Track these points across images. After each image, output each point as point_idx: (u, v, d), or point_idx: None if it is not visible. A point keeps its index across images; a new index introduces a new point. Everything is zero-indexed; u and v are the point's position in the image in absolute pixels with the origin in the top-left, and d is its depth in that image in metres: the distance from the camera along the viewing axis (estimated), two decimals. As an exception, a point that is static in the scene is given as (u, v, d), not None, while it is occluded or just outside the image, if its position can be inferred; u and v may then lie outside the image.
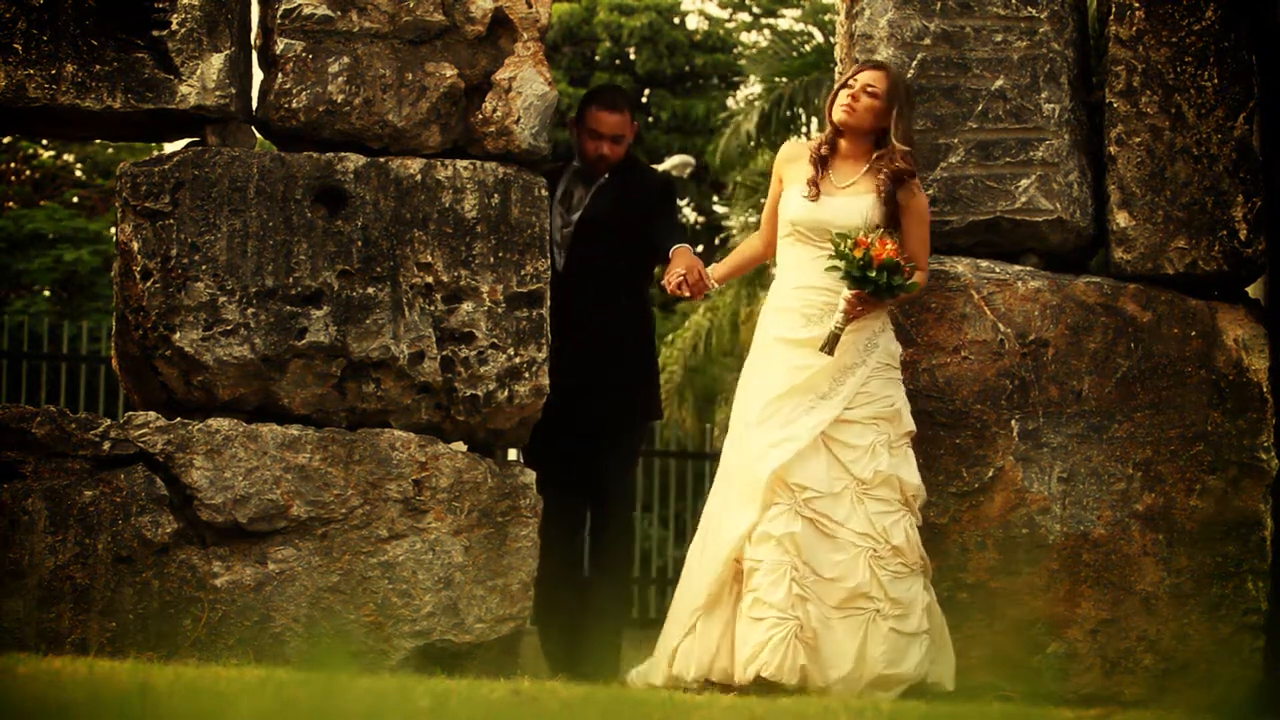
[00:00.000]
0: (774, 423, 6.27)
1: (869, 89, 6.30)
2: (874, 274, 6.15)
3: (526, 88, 6.37)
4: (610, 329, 6.93)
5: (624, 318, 7.00)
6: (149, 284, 6.10)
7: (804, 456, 6.19)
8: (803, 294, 6.35)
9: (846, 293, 6.22)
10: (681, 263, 6.66)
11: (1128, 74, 6.50)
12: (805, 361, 6.29)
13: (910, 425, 6.31)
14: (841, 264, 6.19)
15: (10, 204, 18.11)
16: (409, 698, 3.44)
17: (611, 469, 7.05)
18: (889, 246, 6.20)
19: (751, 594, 6.11)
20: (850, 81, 6.36)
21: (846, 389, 6.27)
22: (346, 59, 6.26)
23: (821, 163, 6.40)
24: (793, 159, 6.54)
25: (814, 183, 6.38)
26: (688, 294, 6.62)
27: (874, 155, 6.34)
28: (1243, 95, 6.50)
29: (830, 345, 6.23)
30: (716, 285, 6.73)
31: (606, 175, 6.99)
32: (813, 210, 6.33)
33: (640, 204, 6.95)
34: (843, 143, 6.38)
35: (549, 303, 6.37)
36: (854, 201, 6.33)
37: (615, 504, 7.07)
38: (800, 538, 6.10)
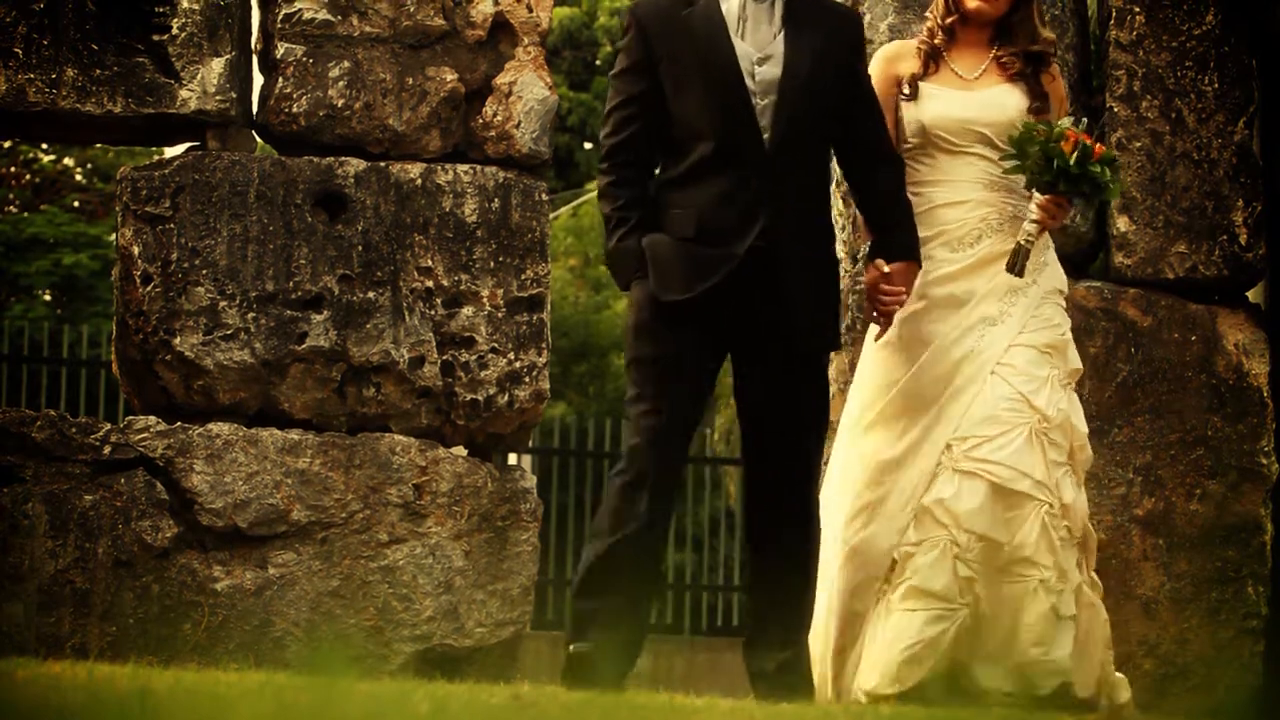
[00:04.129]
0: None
1: None
2: (1096, 169, 5.15)
3: (527, 92, 6.37)
4: (808, 216, 5.15)
5: (821, 205, 5.26)
6: (149, 288, 6.11)
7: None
8: (948, 213, 5.33)
9: (1040, 197, 5.20)
10: (904, 281, 5.23)
11: (1128, 78, 6.51)
12: (972, 290, 5.27)
13: (1077, 363, 5.37)
14: (1034, 156, 5.15)
15: (10, 208, 18.11)
16: (409, 702, 3.45)
17: (811, 403, 5.14)
18: (1101, 145, 5.24)
19: (904, 582, 5.12)
20: None
21: (1019, 312, 5.26)
22: (347, 63, 6.27)
23: (935, 57, 5.37)
24: (900, 57, 5.46)
25: (933, 70, 5.36)
26: (881, 320, 5.28)
27: (998, 42, 5.40)
28: (1243, 100, 6.50)
29: (1020, 264, 5.20)
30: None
31: None
32: (952, 106, 5.32)
33: (837, 57, 5.17)
34: (962, 31, 5.40)
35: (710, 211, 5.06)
36: (999, 93, 5.34)
37: (807, 464, 5.14)
38: (954, 500, 5.10)
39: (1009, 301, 5.27)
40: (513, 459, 7.87)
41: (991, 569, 5.08)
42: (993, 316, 5.26)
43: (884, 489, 5.25)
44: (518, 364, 6.23)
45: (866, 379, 5.41)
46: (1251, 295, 6.65)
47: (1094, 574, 5.39)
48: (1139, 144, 6.49)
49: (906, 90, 5.32)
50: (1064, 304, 5.41)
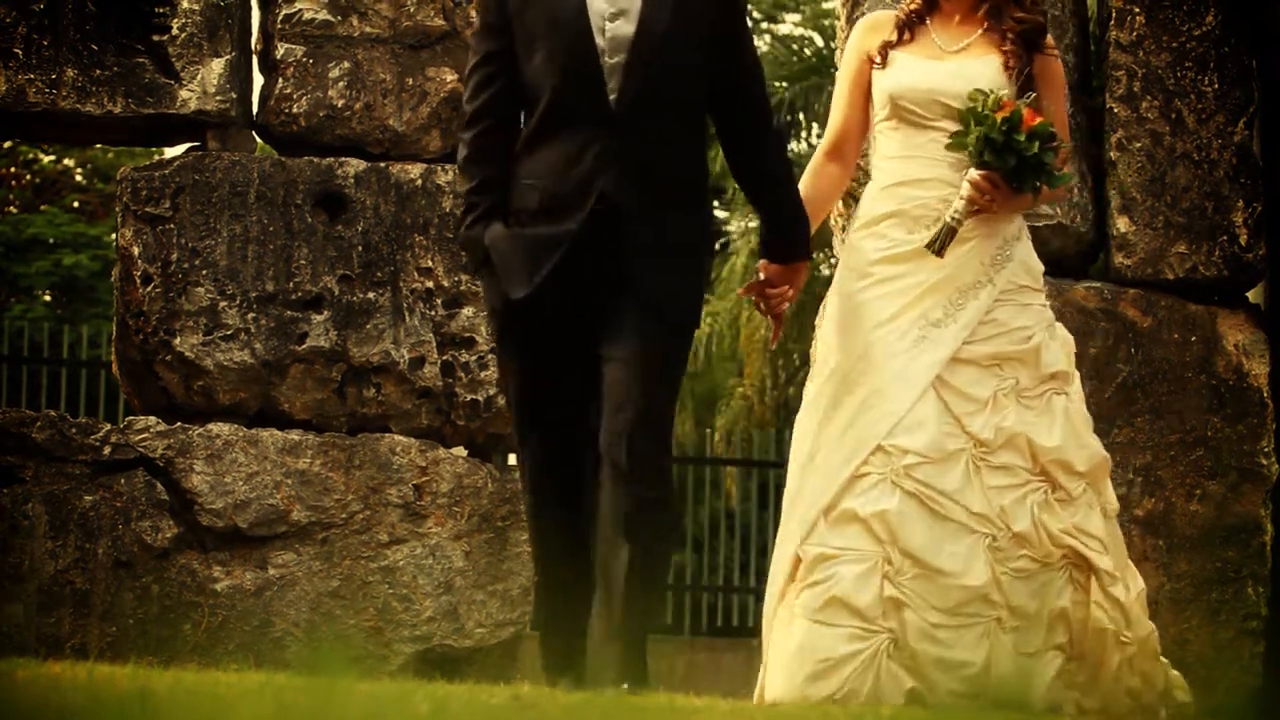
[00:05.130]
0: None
1: None
2: (1021, 141, 4.62)
3: (527, 93, 6.37)
4: (668, 183, 4.64)
5: (689, 173, 4.71)
6: (149, 289, 6.11)
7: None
8: (907, 192, 4.83)
9: (974, 173, 4.69)
10: (786, 281, 4.81)
11: (1128, 79, 6.50)
12: (917, 278, 4.76)
13: (1056, 365, 4.78)
14: (975, 131, 4.65)
15: (10, 208, 18.11)
16: (409, 702, 3.44)
17: (653, 374, 4.59)
18: (1040, 118, 4.70)
19: (822, 586, 4.62)
20: None
21: (966, 316, 4.72)
22: (347, 64, 6.27)
23: (911, 26, 4.91)
24: (879, 27, 4.99)
25: (908, 39, 4.88)
26: (773, 324, 4.84)
27: (986, 12, 4.89)
28: (1243, 100, 6.50)
29: (941, 243, 4.68)
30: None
31: None
32: (921, 76, 4.84)
33: (703, 15, 4.67)
34: (945, 1, 4.91)
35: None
36: (973, 65, 4.84)
37: (651, 436, 4.58)
38: (896, 517, 4.61)
39: (957, 304, 4.77)
40: (513, 459, 7.85)
41: (940, 603, 4.60)
42: (937, 317, 4.75)
43: (799, 482, 4.83)
44: (518, 364, 6.23)
45: (815, 370, 4.96)
46: (1251, 295, 6.65)
47: (1119, 589, 4.80)
48: (1139, 144, 6.49)
49: (878, 59, 4.90)
50: (1036, 300, 4.86)
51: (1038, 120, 4.68)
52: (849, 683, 4.58)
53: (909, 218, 4.81)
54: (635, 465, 4.52)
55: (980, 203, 4.71)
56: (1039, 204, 4.96)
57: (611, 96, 4.58)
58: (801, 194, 4.91)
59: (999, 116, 4.65)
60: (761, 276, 4.80)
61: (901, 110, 4.87)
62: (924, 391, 4.68)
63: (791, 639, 4.67)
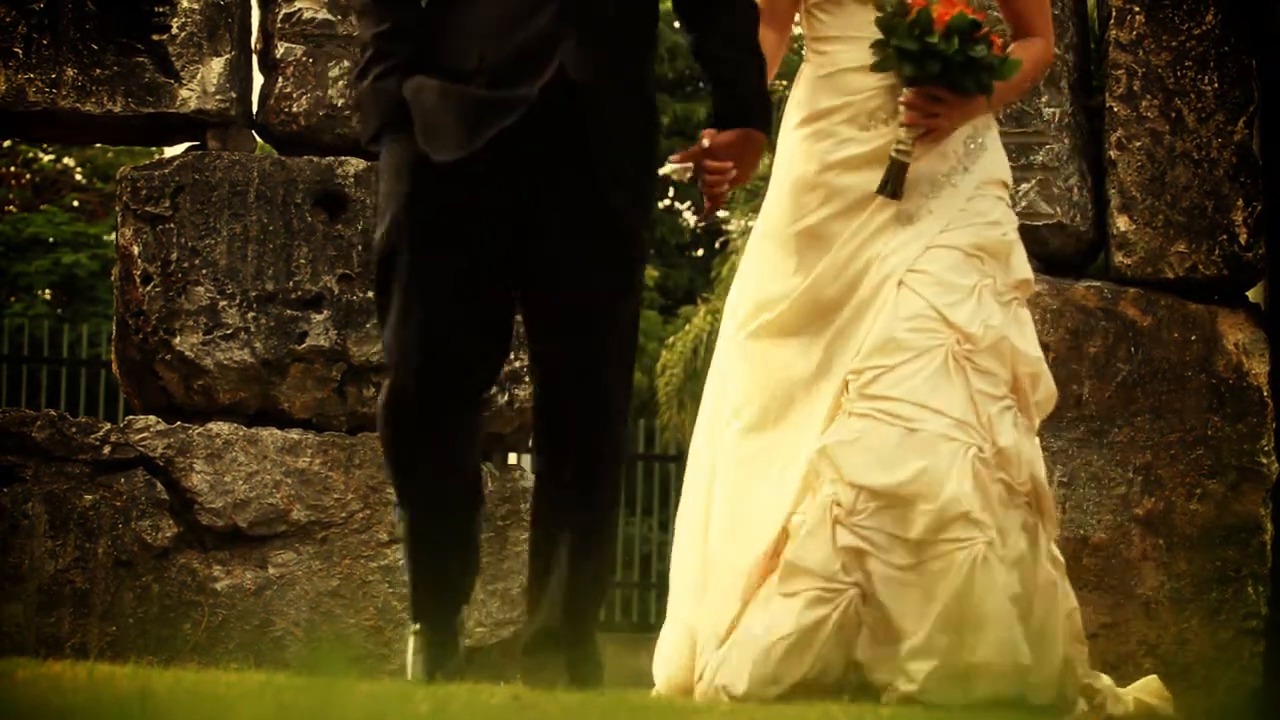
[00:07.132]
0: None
1: None
2: (938, 43, 3.94)
3: (527, 92, 6.37)
4: (626, 53, 3.95)
5: (644, 41, 4.04)
6: (149, 288, 6.11)
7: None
8: (855, 80, 4.12)
9: (906, 92, 4.03)
10: (734, 153, 3.98)
11: (1128, 78, 6.51)
12: (873, 179, 4.05)
13: (1024, 273, 4.14)
14: (890, 42, 3.98)
15: (10, 208, 18.12)
16: (409, 702, 3.44)
17: (619, 279, 3.99)
18: (957, 8, 4.00)
19: (785, 560, 3.92)
20: None
21: (942, 206, 4.04)
22: (347, 63, 6.27)
23: None
24: None
25: None
26: (706, 203, 4.07)
27: None
28: (1243, 99, 6.50)
29: (893, 184, 4.01)
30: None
31: None
32: None
33: None
34: None
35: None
36: None
37: (609, 378, 3.99)
38: (842, 449, 3.88)
39: (930, 194, 4.07)
40: (513, 459, 7.86)
41: (907, 532, 3.83)
42: (908, 212, 4.04)
43: (766, 437, 4.09)
44: (517, 363, 6.23)
45: (751, 284, 4.30)
46: (1251, 295, 6.65)
47: (1054, 546, 4.10)
48: (1139, 144, 6.49)
49: None
50: (1007, 199, 4.20)
51: (954, 11, 4.00)
52: (822, 658, 3.89)
53: (861, 110, 4.12)
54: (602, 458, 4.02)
55: (925, 124, 4.04)
56: (1002, 103, 4.27)
57: None
58: None
59: (907, 22, 3.99)
60: (705, 144, 4.01)
61: None
62: (891, 293, 4.00)
63: (763, 621, 3.96)
